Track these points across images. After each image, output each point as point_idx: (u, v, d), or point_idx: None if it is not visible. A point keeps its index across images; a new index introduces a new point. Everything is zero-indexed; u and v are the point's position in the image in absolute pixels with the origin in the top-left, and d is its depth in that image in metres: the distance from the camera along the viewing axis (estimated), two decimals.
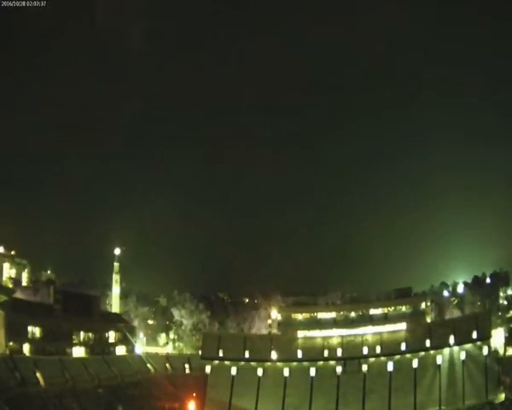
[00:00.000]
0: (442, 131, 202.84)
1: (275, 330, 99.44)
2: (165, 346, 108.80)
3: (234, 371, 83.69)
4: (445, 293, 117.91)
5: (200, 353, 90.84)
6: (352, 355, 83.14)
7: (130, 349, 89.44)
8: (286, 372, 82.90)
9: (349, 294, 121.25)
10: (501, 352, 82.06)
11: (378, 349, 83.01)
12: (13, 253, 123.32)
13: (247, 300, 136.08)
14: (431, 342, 79.65)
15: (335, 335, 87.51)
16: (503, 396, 68.84)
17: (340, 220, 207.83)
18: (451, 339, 77.83)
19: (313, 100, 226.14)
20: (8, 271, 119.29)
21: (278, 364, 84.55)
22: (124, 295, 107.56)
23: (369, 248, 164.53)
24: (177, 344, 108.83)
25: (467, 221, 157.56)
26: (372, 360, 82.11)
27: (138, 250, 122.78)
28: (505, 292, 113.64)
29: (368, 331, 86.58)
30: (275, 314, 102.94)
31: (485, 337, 76.58)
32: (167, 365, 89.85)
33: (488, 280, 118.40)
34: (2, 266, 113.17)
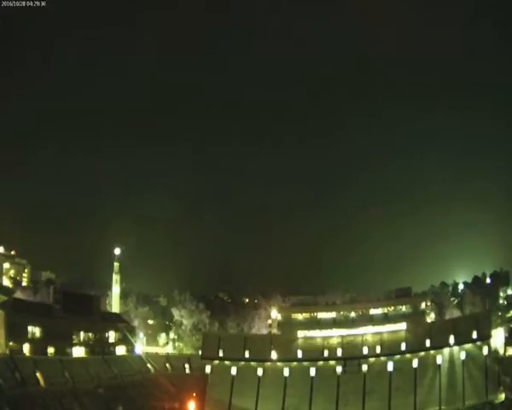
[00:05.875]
0: (444, 133, 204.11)
1: (275, 330, 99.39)
2: (165, 346, 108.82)
3: (234, 371, 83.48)
4: (445, 293, 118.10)
5: (200, 353, 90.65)
6: (351, 355, 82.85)
7: (130, 349, 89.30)
8: (286, 372, 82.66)
9: (349, 294, 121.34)
10: (501, 352, 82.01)
11: (378, 349, 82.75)
12: (13, 253, 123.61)
13: (247, 300, 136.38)
14: (431, 342, 79.36)
15: (335, 335, 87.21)
16: (503, 396, 68.68)
17: (340, 221, 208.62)
18: (451, 339, 77.54)
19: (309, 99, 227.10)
20: (8, 271, 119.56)
21: (278, 364, 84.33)
22: (124, 295, 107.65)
23: (369, 248, 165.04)
24: (177, 344, 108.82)
25: (467, 222, 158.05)
26: (372, 360, 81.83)
27: (138, 250, 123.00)
28: (505, 292, 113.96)
29: (368, 331, 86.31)
30: (275, 314, 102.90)
31: (485, 337, 76.30)
32: (167, 365, 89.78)
33: (488, 280, 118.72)
34: (2, 266, 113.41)
